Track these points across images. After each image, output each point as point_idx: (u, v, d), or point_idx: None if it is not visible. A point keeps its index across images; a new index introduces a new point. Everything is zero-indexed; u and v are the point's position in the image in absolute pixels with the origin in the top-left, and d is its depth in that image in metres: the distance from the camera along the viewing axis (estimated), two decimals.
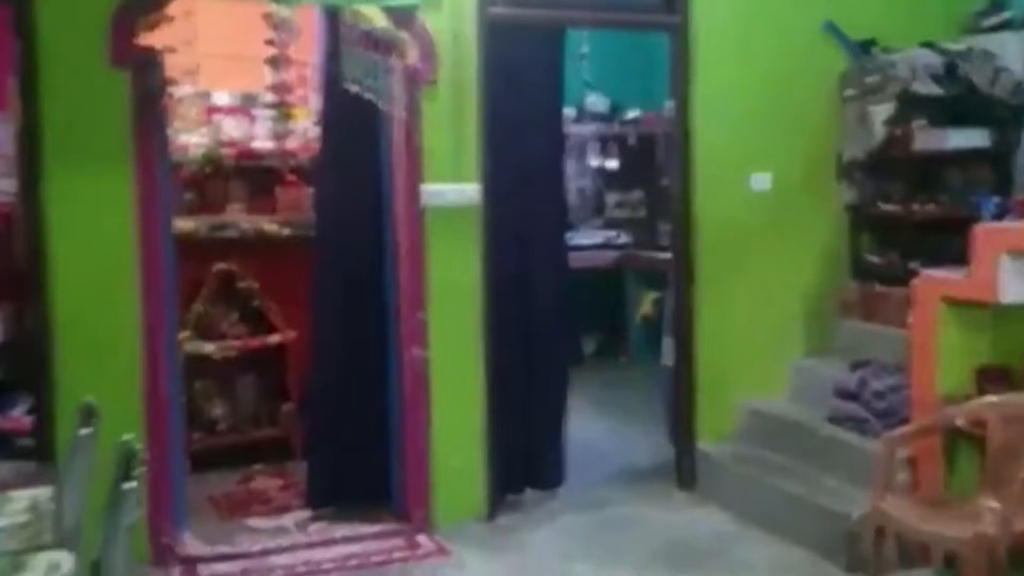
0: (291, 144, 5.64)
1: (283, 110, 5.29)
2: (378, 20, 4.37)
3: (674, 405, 5.11)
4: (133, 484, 1.84)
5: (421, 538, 4.41)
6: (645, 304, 7.51)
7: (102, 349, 4.04)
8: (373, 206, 4.55)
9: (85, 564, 2.02)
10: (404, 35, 4.37)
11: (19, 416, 6.49)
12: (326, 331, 4.64)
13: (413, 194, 4.42)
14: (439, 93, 4.47)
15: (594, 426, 5.97)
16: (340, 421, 4.64)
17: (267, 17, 5.13)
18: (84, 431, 2.40)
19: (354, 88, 4.29)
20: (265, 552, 4.26)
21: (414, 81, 4.40)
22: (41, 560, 2.01)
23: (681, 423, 5.03)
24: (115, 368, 4.06)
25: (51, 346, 4.01)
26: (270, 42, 5.19)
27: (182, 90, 5.09)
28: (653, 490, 4.99)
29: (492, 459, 4.60)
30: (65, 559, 2.00)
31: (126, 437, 2.15)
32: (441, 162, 4.46)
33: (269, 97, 5.44)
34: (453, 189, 4.48)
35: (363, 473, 4.65)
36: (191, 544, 4.33)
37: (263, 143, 5.66)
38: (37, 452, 4.07)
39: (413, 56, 4.41)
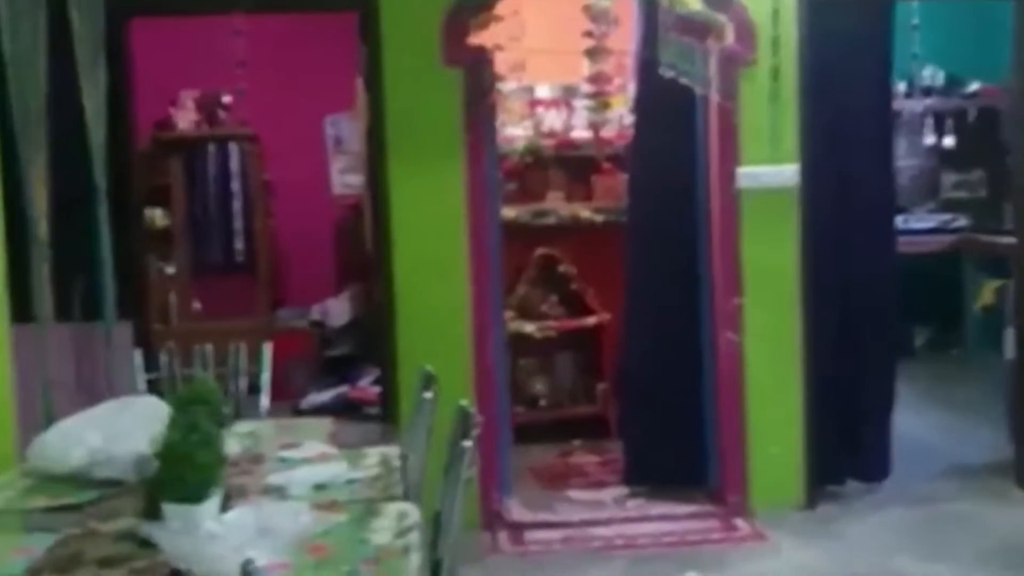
0: (607, 132, 5.79)
1: (600, 100, 5.44)
2: (694, 3, 4.40)
3: (1017, 401, 4.73)
4: (469, 443, 2.02)
5: (738, 521, 4.41)
6: (985, 293, 6.96)
7: (437, 325, 4.38)
8: (687, 190, 4.59)
9: (427, 515, 2.24)
10: (721, 17, 4.37)
11: (366, 387, 7.19)
12: (640, 314, 4.74)
13: (728, 177, 4.41)
14: (757, 73, 4.41)
15: (923, 421, 5.65)
16: (654, 402, 4.72)
17: (586, 9, 5.29)
18: (427, 395, 2.63)
19: (670, 73, 4.35)
20: (585, 523, 4.44)
21: (731, 63, 4.39)
22: (391, 509, 2.24)
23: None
24: (448, 343, 4.38)
25: (394, 322, 4.40)
26: (588, 33, 5.35)
27: (508, 85, 5.37)
28: (988, 488, 4.67)
29: (811, 448, 4.50)
30: (411, 510, 2.22)
31: (463, 402, 2.35)
32: (758, 144, 4.41)
33: (587, 88, 5.61)
34: (770, 171, 4.41)
35: (678, 454, 4.70)
36: (516, 510, 4.59)
37: (581, 133, 5.85)
38: (383, 416, 4.48)
39: (730, 37, 4.40)
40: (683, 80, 4.36)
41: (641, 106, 4.73)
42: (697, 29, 4.40)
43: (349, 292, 7.76)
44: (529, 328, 5.63)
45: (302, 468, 2.57)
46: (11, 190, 3.39)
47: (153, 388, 3.26)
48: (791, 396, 4.50)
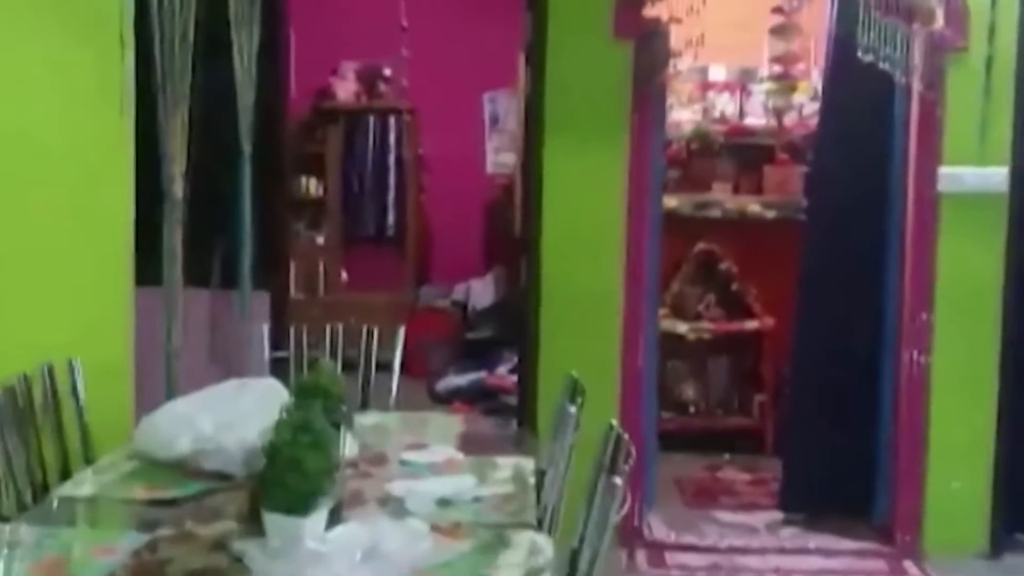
0: (786, 120, 5.32)
1: (787, 83, 4.96)
2: None
3: None
4: (620, 482, 1.67)
5: (908, 565, 3.92)
6: None
7: (583, 317, 4.06)
8: (878, 190, 4.10)
9: (563, 549, 1.91)
10: None
11: (504, 374, 6.94)
12: (813, 323, 4.28)
13: (928, 178, 3.91)
14: (967, 63, 3.90)
15: None
16: (822, 422, 4.27)
17: None
18: (571, 408, 2.30)
19: (868, 58, 3.86)
20: (733, 550, 4.04)
21: (939, 49, 3.88)
22: (523, 539, 1.93)
23: None
24: (594, 338, 4.06)
25: (537, 311, 4.09)
26: (778, 9, 4.87)
27: (683, 63, 4.96)
28: None
29: (1002, 487, 3.97)
30: (545, 545, 1.90)
31: (614, 423, 2.00)
32: (964, 142, 3.90)
33: (771, 69, 5.13)
34: (976, 173, 3.90)
35: (844, 481, 4.25)
36: (658, 528, 4.23)
37: (755, 120, 5.39)
38: (519, 411, 4.18)
39: (939, 21, 3.89)
40: (882, 65, 3.87)
41: (831, 92, 4.25)
42: (902, 10, 3.90)
43: (494, 274, 7.57)
44: (682, 328, 5.26)
45: (426, 479, 2.28)
46: (150, 144, 3.23)
47: (278, 368, 3.04)
48: (981, 426, 3.99)
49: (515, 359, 7.16)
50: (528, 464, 2.43)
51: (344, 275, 7.74)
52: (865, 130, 4.10)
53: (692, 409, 5.44)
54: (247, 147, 3.75)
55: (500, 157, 7.73)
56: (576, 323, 4.04)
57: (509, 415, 6.18)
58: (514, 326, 7.49)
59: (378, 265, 7.79)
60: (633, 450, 1.83)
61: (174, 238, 3.22)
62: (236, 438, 2.23)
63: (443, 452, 2.49)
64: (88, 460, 2.45)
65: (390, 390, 3.27)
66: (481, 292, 7.52)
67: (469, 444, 2.62)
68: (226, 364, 4.03)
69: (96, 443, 2.51)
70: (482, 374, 6.85)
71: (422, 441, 2.60)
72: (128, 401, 3.07)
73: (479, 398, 6.64)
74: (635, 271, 4.02)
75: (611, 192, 4.00)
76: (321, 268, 7.63)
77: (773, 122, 5.39)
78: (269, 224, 4.17)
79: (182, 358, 3.70)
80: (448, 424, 2.83)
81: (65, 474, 2.38)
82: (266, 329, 3.13)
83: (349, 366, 3.06)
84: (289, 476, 1.80)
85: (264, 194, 4.07)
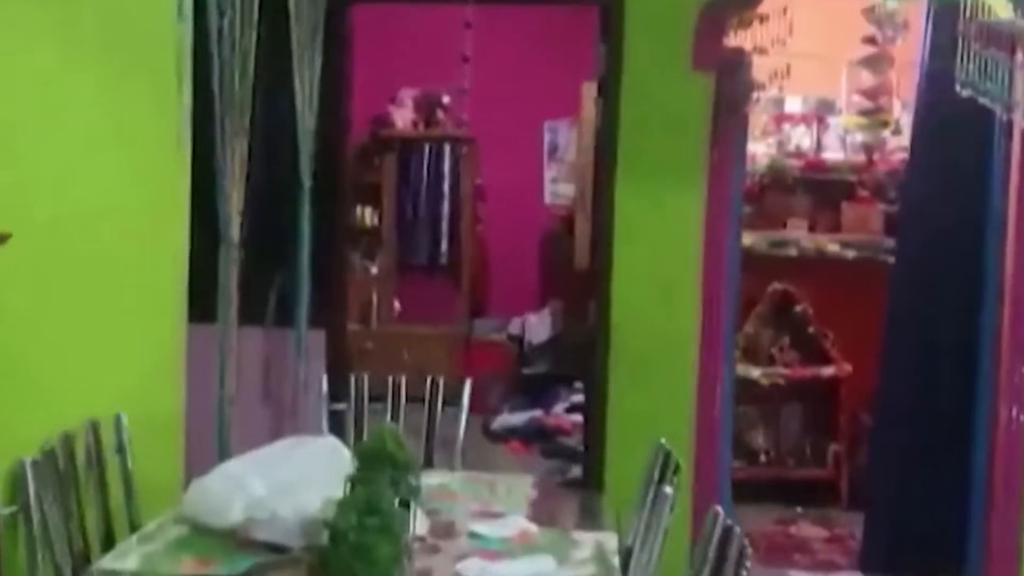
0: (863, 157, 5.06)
1: (877, 117, 4.69)
2: (1003, 10, 3.63)
3: None
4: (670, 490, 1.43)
5: None
6: None
7: (653, 358, 3.83)
8: (973, 231, 3.82)
9: None
10: None
11: (560, 413, 6.71)
12: (900, 371, 4.02)
13: None
14: None
15: None
16: (908, 478, 4.00)
17: (869, 12, 4.53)
18: (667, 489, 2.07)
19: (966, 92, 3.60)
20: None
21: None
22: None
23: None
24: (667, 384, 3.82)
25: (606, 355, 3.86)
26: (870, 40, 4.60)
27: (767, 95, 4.72)
28: None
29: None
30: None
31: (718, 509, 1.77)
32: None
33: (849, 101, 4.87)
34: None
35: (931, 543, 3.95)
36: None
37: (834, 154, 5.14)
38: (586, 471, 3.93)
39: None
40: (981, 100, 3.60)
41: (923, 128, 4.00)
42: (1004, 41, 3.63)
43: (551, 308, 7.37)
44: (755, 373, 5.01)
45: (501, 560, 2.06)
46: (207, 179, 3.06)
47: (337, 422, 2.84)
48: None
49: (571, 397, 6.99)
50: (610, 541, 2.20)
51: (397, 305, 7.58)
52: (960, 167, 3.84)
53: (763, 458, 5.18)
54: (307, 180, 3.58)
55: (558, 188, 7.54)
56: (645, 362, 3.81)
57: (566, 457, 5.97)
58: (572, 361, 7.34)
59: (432, 296, 7.63)
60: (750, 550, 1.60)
61: (230, 280, 3.04)
62: (293, 505, 2.04)
63: (515, 523, 2.27)
64: (134, 525, 2.27)
65: (454, 438, 3.06)
66: (537, 326, 7.32)
67: (541, 512, 2.40)
68: (280, 406, 3.85)
69: (143, 503, 2.32)
70: (538, 413, 6.64)
71: (492, 508, 2.39)
72: (178, 458, 2.87)
73: (535, 438, 6.43)
74: (712, 314, 3.78)
75: (687, 230, 3.77)
76: (375, 299, 7.48)
77: (853, 156, 5.14)
78: (327, 259, 3.99)
79: (235, 402, 3.55)
80: (518, 487, 2.60)
81: (108, 541, 2.20)
82: (324, 379, 2.93)
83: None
84: (356, 564, 1.60)
85: (322, 228, 3.89)
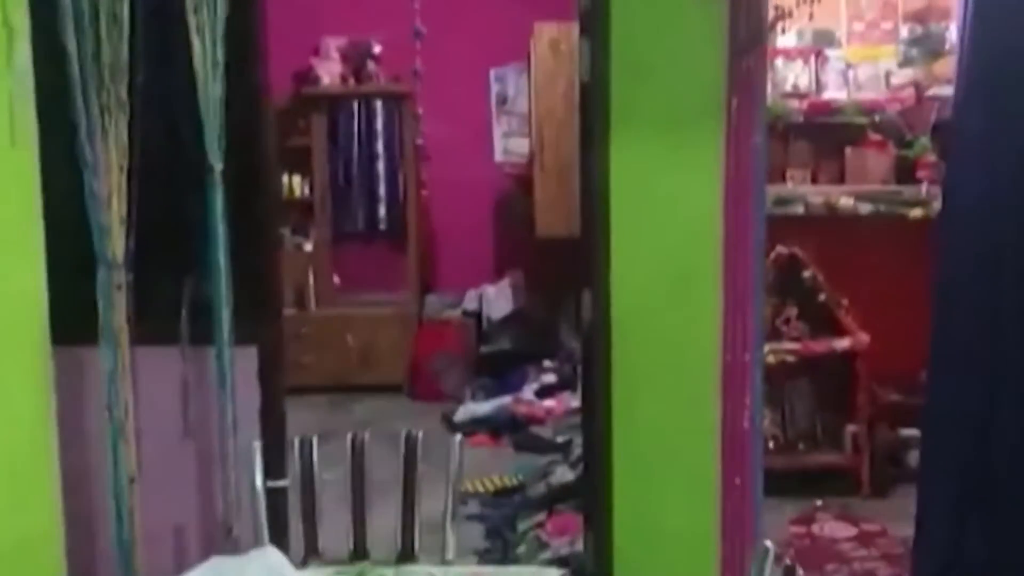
0: (869, 94, 4.38)
1: (927, 44, 3.97)
2: None
3: None
4: None
5: None
6: None
7: (669, 366, 3.10)
8: None
9: None
10: None
11: (531, 399, 6.01)
12: (959, 338, 3.32)
13: None
14: None
15: None
16: (969, 471, 3.35)
17: None
18: None
19: None
20: None
21: None
22: None
23: None
24: (684, 393, 3.11)
25: (608, 358, 3.12)
26: None
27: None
28: None
29: None
30: None
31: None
32: None
33: (909, 29, 4.12)
34: None
35: (1001, 553, 3.32)
36: None
37: (835, 93, 4.44)
38: (589, 518, 3.20)
39: None
40: None
41: (976, 45, 3.24)
42: None
43: (510, 279, 6.65)
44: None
45: None
46: (69, 179, 2.21)
47: (275, 503, 2.07)
48: None
49: (541, 377, 6.31)
50: None
51: (337, 280, 6.81)
52: None
53: (771, 444, 4.54)
54: (216, 163, 2.75)
55: (510, 143, 6.77)
56: (659, 374, 3.09)
57: (541, 450, 5.29)
58: (537, 338, 6.64)
59: (377, 269, 6.89)
60: None
61: (116, 314, 2.21)
62: None
63: None
64: None
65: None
66: (497, 300, 6.60)
67: None
68: (204, 443, 3.07)
69: None
70: (507, 399, 5.94)
71: None
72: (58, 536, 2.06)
73: (505, 429, 5.74)
74: (737, 301, 3.06)
75: (703, 197, 3.02)
76: (311, 278, 6.68)
77: (856, 95, 4.44)
78: (252, 256, 3.17)
79: (144, 441, 2.77)
80: None
81: None
82: (257, 448, 2.13)
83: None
84: None
85: (241, 218, 3.07)
